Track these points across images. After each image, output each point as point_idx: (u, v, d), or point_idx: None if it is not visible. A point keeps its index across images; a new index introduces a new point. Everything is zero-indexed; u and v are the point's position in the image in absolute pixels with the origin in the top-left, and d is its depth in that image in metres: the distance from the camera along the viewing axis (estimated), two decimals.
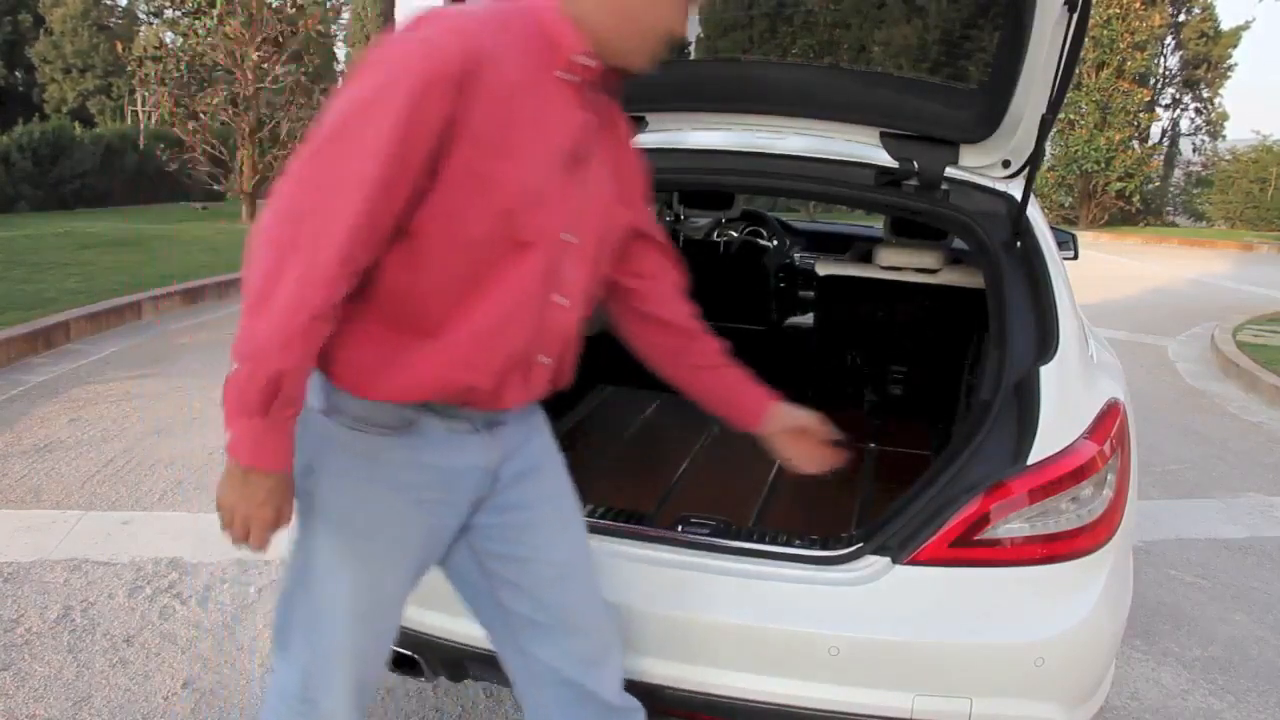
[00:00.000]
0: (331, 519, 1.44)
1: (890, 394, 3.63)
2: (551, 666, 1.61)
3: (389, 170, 1.23)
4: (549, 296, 1.41)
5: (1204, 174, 22.14)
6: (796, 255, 4.84)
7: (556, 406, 3.18)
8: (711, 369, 1.74)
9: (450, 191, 1.28)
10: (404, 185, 1.26)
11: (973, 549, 1.73)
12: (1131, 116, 19.36)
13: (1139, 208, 20.80)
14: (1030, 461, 1.74)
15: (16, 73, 22.16)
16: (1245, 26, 21.54)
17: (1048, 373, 1.83)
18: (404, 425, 1.40)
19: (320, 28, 14.70)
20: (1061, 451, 1.74)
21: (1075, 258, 3.84)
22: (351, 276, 1.27)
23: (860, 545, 1.80)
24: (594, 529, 1.92)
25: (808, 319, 4.47)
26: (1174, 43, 21.74)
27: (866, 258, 3.42)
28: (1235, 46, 21.43)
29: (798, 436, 1.73)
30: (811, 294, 4.63)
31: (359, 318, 1.34)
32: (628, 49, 1.38)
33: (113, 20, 23.12)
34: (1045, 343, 1.91)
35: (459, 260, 1.33)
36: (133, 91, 17.89)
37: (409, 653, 1.96)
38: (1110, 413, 1.86)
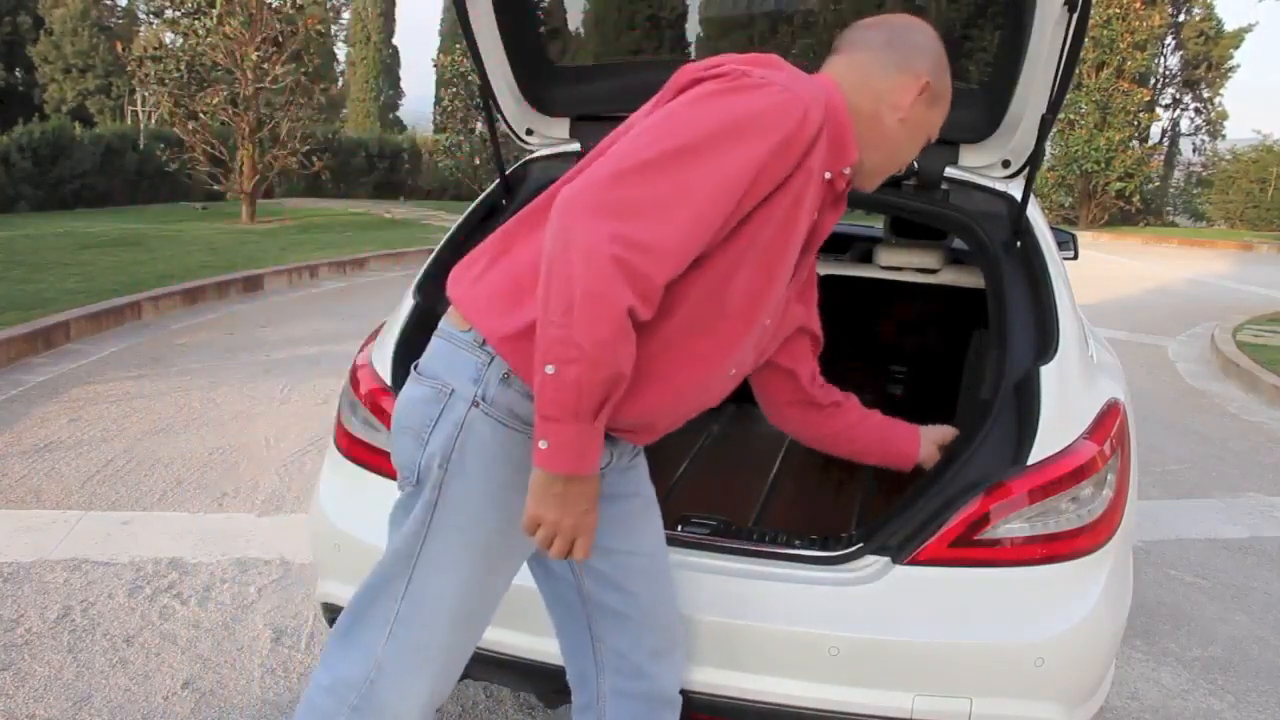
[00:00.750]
0: (461, 517, 1.39)
1: (889, 394, 3.63)
2: (624, 654, 1.63)
3: (733, 202, 1.23)
4: (727, 371, 1.45)
5: (1204, 174, 22.15)
6: None
7: None
8: (860, 424, 1.84)
9: (744, 246, 1.29)
10: (726, 226, 1.26)
11: (973, 549, 1.73)
12: (1131, 116, 19.36)
13: (1139, 208, 20.80)
14: (1030, 462, 1.74)
15: (16, 72, 22.15)
16: (1248, 29, 21.54)
17: (1048, 373, 1.84)
18: None
19: (320, 27, 14.69)
20: (1061, 451, 1.74)
21: (1075, 258, 3.84)
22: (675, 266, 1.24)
23: (860, 545, 1.80)
24: None
25: None
26: (1174, 43, 21.74)
27: (867, 258, 3.42)
28: (1237, 47, 21.44)
29: (941, 448, 1.86)
30: None
31: None
32: (875, 172, 1.47)
33: (113, 20, 23.14)
34: (1045, 343, 1.91)
35: (700, 312, 1.32)
36: (133, 91, 17.89)
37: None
38: (1110, 413, 1.86)
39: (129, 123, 18.30)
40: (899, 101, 1.42)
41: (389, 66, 29.34)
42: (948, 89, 1.49)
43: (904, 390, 3.62)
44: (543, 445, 1.23)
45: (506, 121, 2.47)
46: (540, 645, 1.84)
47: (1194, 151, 22.65)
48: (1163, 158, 21.96)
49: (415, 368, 1.45)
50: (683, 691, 1.77)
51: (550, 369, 1.19)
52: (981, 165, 2.25)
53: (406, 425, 1.42)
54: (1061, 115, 15.29)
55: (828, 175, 1.37)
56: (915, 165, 2.22)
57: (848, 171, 1.41)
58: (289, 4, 13.37)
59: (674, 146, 1.21)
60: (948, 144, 2.24)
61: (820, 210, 1.42)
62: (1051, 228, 2.39)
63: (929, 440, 1.87)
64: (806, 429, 1.84)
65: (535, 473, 1.26)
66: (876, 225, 4.60)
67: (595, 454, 1.25)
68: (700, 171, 1.20)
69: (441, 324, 1.46)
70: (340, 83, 28.86)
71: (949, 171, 2.23)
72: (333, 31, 23.57)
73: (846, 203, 1.50)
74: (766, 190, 1.26)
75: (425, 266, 2.26)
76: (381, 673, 1.43)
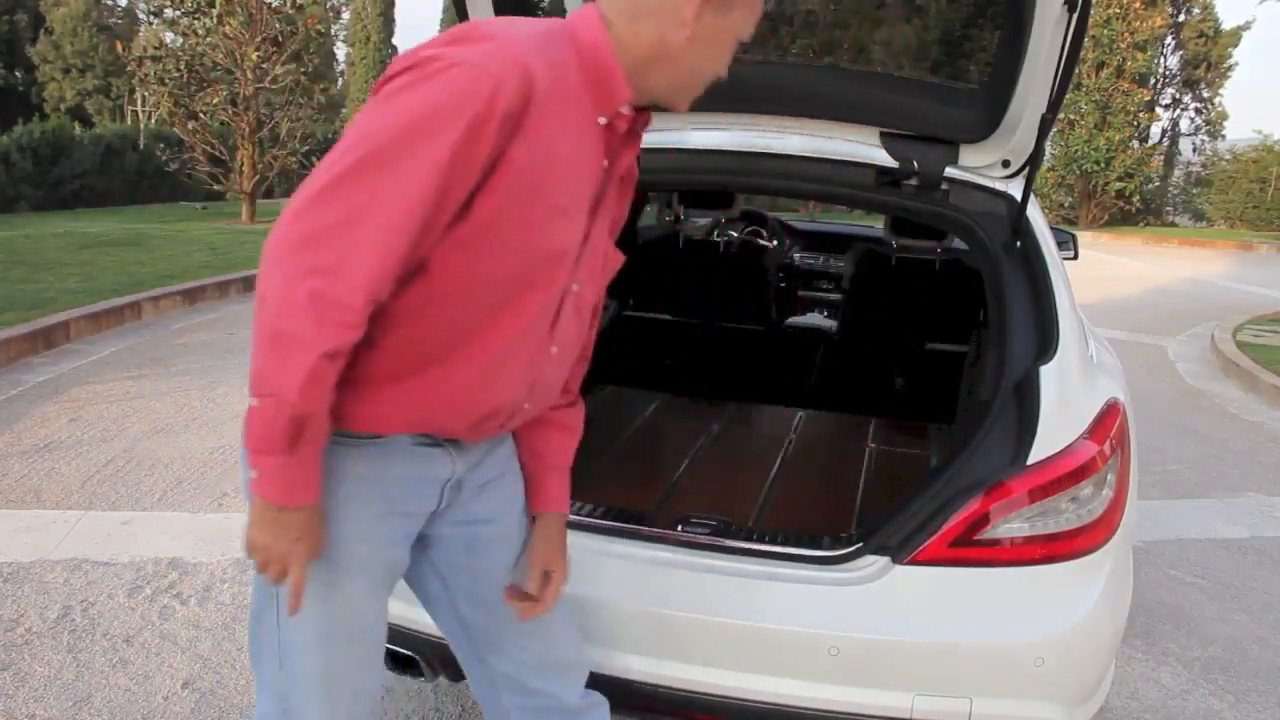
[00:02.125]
0: (341, 537, 1.34)
1: (892, 386, 3.63)
2: (509, 675, 1.58)
3: (427, 206, 1.15)
4: (546, 348, 1.36)
5: (1204, 174, 22.15)
6: (796, 255, 4.84)
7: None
8: (544, 440, 1.60)
9: (478, 230, 1.21)
10: (439, 222, 1.18)
11: (973, 549, 1.73)
12: (1131, 116, 19.36)
13: (1139, 208, 20.80)
14: (1030, 461, 1.74)
15: (16, 72, 22.16)
16: (1246, 27, 21.56)
17: (1047, 372, 1.83)
18: (371, 438, 1.33)
19: (320, 27, 14.70)
20: (1061, 451, 1.74)
21: (1075, 258, 3.85)
22: (375, 309, 1.18)
23: (860, 545, 1.79)
24: (594, 529, 1.92)
25: (807, 319, 4.48)
26: (1174, 43, 21.74)
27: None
28: (1235, 46, 21.45)
29: (540, 555, 1.58)
30: (811, 293, 4.64)
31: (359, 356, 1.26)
32: (676, 95, 1.33)
33: (113, 20, 23.14)
34: (1045, 343, 1.91)
35: (470, 302, 1.25)
36: (132, 91, 17.90)
37: (409, 653, 1.96)
38: (1110, 413, 1.86)
39: (129, 123, 18.30)
40: (680, 18, 1.26)
41: (389, 66, 29.32)
42: None
43: (905, 383, 3.62)
44: (253, 475, 1.21)
45: None
46: None
47: (1194, 151, 22.65)
48: (1162, 158, 21.96)
49: None
50: (683, 691, 1.77)
51: (253, 401, 1.17)
52: (981, 165, 2.25)
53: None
54: (1061, 115, 15.30)
55: (602, 120, 1.28)
56: (915, 165, 2.22)
57: (626, 110, 1.29)
58: (289, 4, 13.37)
59: (355, 160, 1.14)
60: (948, 144, 2.24)
61: (609, 155, 1.33)
62: (1051, 228, 2.39)
63: (540, 533, 1.58)
64: None
65: (251, 499, 1.25)
66: (877, 225, 4.61)
67: (304, 485, 1.23)
68: (384, 180, 1.13)
69: None
70: (340, 83, 28.86)
71: (949, 171, 2.23)
72: (332, 31, 23.57)
73: (641, 137, 1.40)
74: (475, 177, 1.17)
75: None
76: (288, 705, 1.41)
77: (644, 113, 1.37)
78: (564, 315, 1.37)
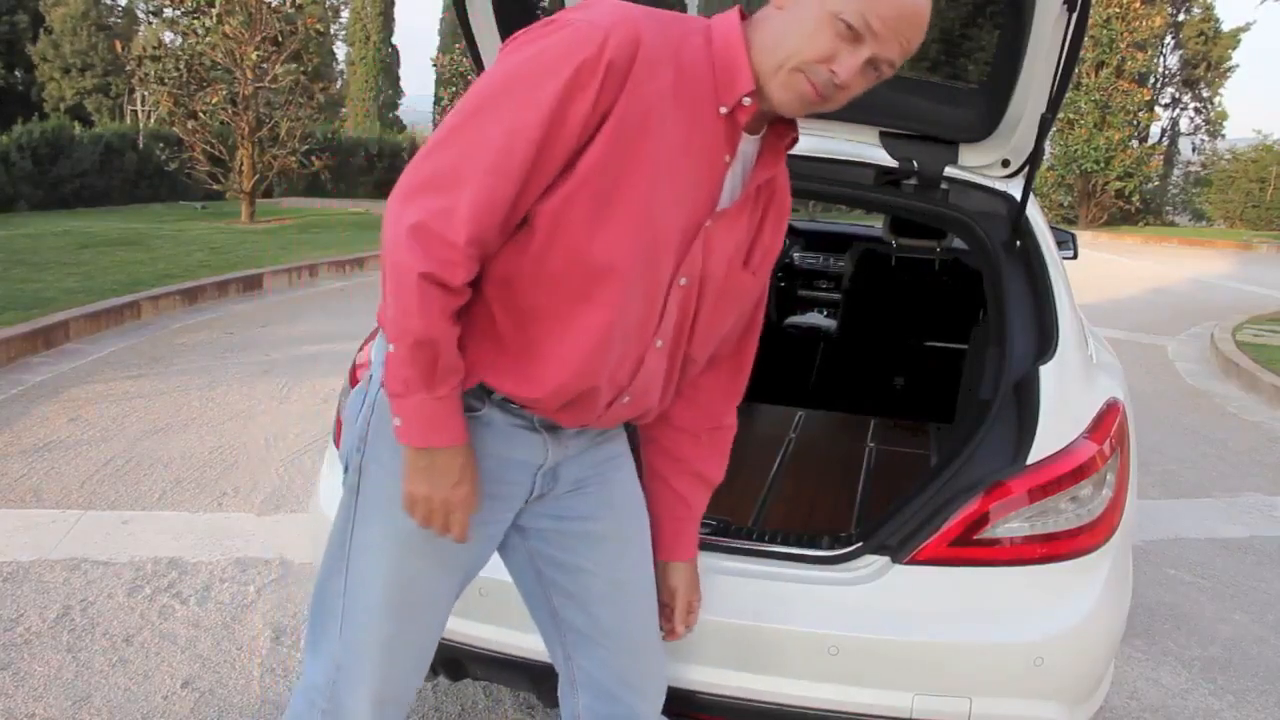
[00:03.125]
0: (380, 500, 1.36)
1: (892, 385, 3.63)
2: (594, 677, 1.57)
3: (531, 150, 1.17)
4: (650, 337, 1.33)
5: (1203, 174, 22.15)
6: (796, 255, 4.84)
7: None
8: (684, 490, 1.60)
9: (580, 186, 1.20)
10: (545, 169, 1.19)
11: (972, 548, 1.73)
12: (1131, 116, 19.36)
13: (1138, 207, 20.81)
14: (1030, 461, 1.74)
15: (16, 72, 22.15)
16: (1245, 28, 21.55)
17: (1047, 372, 1.83)
18: (466, 408, 1.32)
19: (319, 27, 14.69)
20: (1061, 451, 1.74)
21: (1075, 257, 3.85)
22: (481, 254, 1.22)
23: (860, 545, 1.79)
24: None
25: (807, 318, 4.48)
26: (1174, 42, 21.75)
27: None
28: (1235, 47, 21.45)
29: (682, 597, 1.63)
30: (811, 293, 4.64)
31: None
32: (775, 82, 1.24)
33: (112, 20, 23.13)
34: (1045, 342, 1.91)
35: (568, 266, 1.24)
36: (132, 91, 17.89)
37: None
38: (1110, 412, 1.86)
39: (128, 122, 18.30)
40: None
41: (388, 66, 29.31)
42: None
43: (905, 383, 3.62)
44: (397, 422, 1.25)
45: None
46: (539, 645, 1.84)
47: (1193, 151, 22.65)
48: (1162, 157, 21.96)
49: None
50: (683, 691, 1.77)
51: (390, 348, 1.22)
52: (981, 165, 2.25)
53: (346, 416, 1.44)
54: (1061, 115, 15.30)
55: (723, 109, 1.26)
56: (915, 164, 2.22)
57: (748, 101, 1.26)
58: (289, 3, 13.36)
59: (468, 110, 1.19)
60: (948, 143, 2.24)
61: (733, 151, 1.30)
62: (1051, 227, 2.39)
63: (681, 577, 1.62)
64: (658, 442, 1.59)
65: (402, 449, 1.27)
66: (877, 225, 4.61)
67: (448, 424, 1.25)
68: (491, 125, 1.17)
69: None
70: (340, 82, 28.85)
71: (949, 171, 2.23)
72: (332, 31, 23.56)
73: (782, 155, 1.38)
74: (578, 131, 1.18)
75: None
76: (340, 672, 1.41)
77: (783, 126, 1.35)
78: (670, 308, 1.33)
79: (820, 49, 1.22)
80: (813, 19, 1.21)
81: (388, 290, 1.20)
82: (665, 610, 1.62)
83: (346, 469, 1.41)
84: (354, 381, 2.06)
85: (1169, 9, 20.54)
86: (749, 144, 1.33)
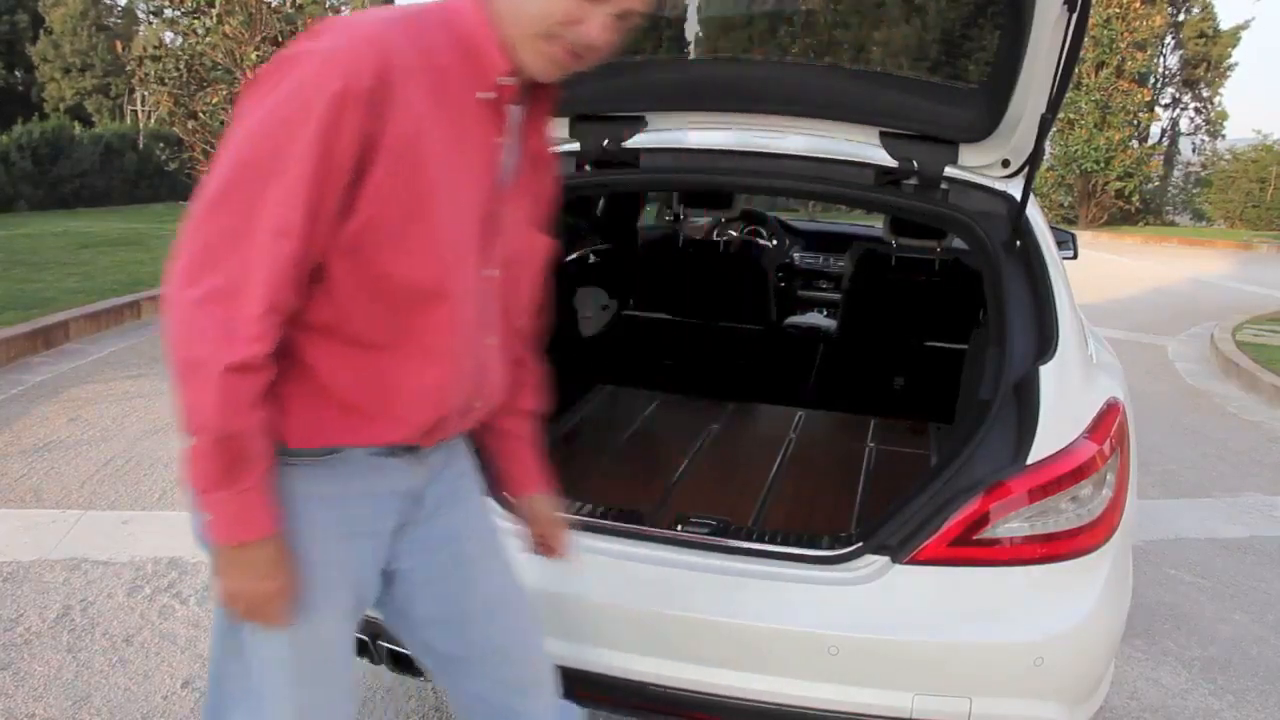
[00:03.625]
0: (312, 555, 1.28)
1: (892, 386, 3.64)
2: (482, 698, 1.54)
3: (308, 201, 1.12)
4: (482, 339, 1.33)
5: (1203, 174, 22.14)
6: (796, 255, 4.85)
7: (557, 406, 3.21)
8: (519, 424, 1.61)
9: (368, 225, 1.17)
10: (325, 216, 1.14)
11: (972, 548, 1.73)
12: (1131, 116, 19.34)
13: (1138, 207, 20.79)
14: (1030, 461, 1.74)
15: (16, 72, 22.14)
16: (1245, 26, 21.55)
17: (1047, 372, 1.83)
18: (325, 453, 1.27)
19: None
20: (1061, 451, 1.74)
21: (1075, 257, 3.85)
22: (282, 323, 1.16)
23: (860, 545, 1.80)
24: (594, 528, 1.92)
25: (807, 318, 4.48)
26: (1174, 42, 21.74)
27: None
28: (1235, 46, 21.43)
29: (540, 525, 1.65)
30: (811, 293, 4.64)
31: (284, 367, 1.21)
32: (529, 51, 1.22)
33: (112, 20, 23.11)
34: (1045, 342, 1.91)
35: (382, 300, 1.21)
36: (132, 91, 17.90)
37: (409, 653, 1.96)
38: (1110, 412, 1.86)
39: (128, 122, 18.30)
40: None
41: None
42: None
43: (905, 383, 3.62)
44: (206, 519, 1.18)
45: None
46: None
47: (1193, 151, 22.63)
48: (1162, 157, 21.94)
49: None
50: (683, 691, 1.77)
51: (188, 441, 1.13)
52: (981, 165, 2.25)
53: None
54: (1061, 115, 15.30)
55: (484, 96, 1.24)
56: (915, 164, 2.22)
57: (508, 82, 1.24)
58: (289, 3, 13.35)
59: (229, 175, 1.12)
60: (947, 144, 2.24)
61: (505, 132, 1.28)
62: (1051, 227, 2.39)
63: (536, 507, 1.64)
64: None
65: (211, 549, 1.21)
66: (877, 225, 4.61)
67: (256, 517, 1.18)
68: (260, 187, 1.11)
69: None
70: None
71: (949, 171, 2.23)
72: None
73: (547, 115, 1.38)
74: (350, 164, 1.13)
75: None
76: None
77: (543, 88, 1.32)
78: (489, 304, 1.33)
79: (563, 10, 1.19)
80: None
81: (180, 384, 1.12)
82: (539, 541, 1.65)
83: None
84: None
85: (1169, 9, 20.52)
86: (514, 112, 1.30)
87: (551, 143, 1.46)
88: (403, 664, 2.01)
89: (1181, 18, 21.37)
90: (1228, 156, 21.54)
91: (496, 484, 1.74)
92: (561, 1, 1.18)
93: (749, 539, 1.90)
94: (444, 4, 1.25)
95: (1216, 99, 22.26)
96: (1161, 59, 21.76)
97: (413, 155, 1.17)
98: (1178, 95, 22.45)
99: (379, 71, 1.13)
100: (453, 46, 1.22)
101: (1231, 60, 21.62)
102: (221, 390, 1.11)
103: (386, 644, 1.97)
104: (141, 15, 21.42)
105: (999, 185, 2.24)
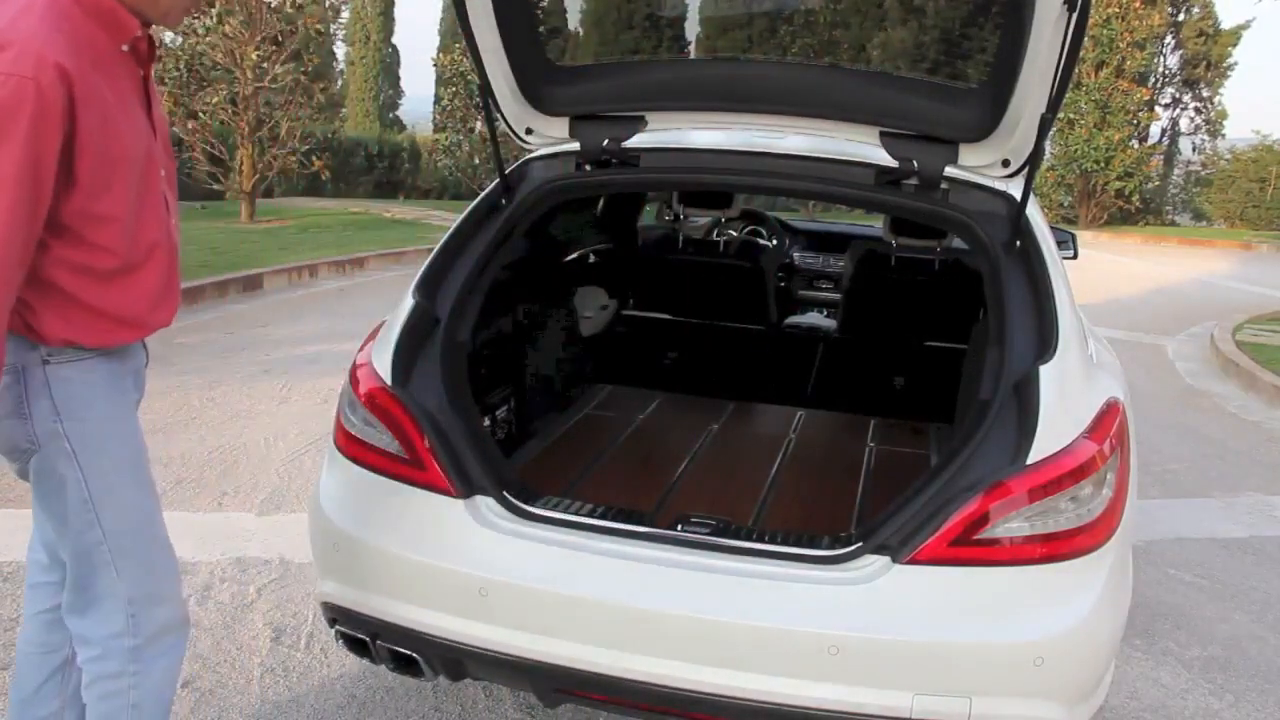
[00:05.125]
0: (96, 445, 1.65)
1: (891, 385, 3.64)
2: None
3: (25, 190, 1.40)
4: (172, 221, 1.72)
5: (1203, 173, 22.14)
6: (796, 255, 4.85)
7: (557, 405, 3.22)
8: None
9: (90, 182, 1.49)
10: (46, 194, 1.44)
11: (972, 548, 1.73)
12: (1131, 116, 19.35)
13: (1138, 207, 20.80)
14: (1030, 461, 1.74)
15: None
16: (1245, 26, 21.53)
17: (1047, 372, 1.84)
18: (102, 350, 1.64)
19: (319, 27, 14.69)
20: (1061, 451, 1.75)
21: (1075, 257, 3.85)
22: (16, 276, 1.44)
23: (860, 545, 1.80)
24: (594, 528, 1.92)
25: (807, 318, 4.48)
26: (1174, 42, 21.73)
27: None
28: (1235, 45, 21.43)
29: None
30: (811, 293, 4.64)
31: (64, 294, 1.55)
32: (153, 9, 1.59)
33: None
34: (1045, 342, 1.91)
35: (121, 227, 1.56)
36: None
37: (408, 652, 1.96)
38: (1110, 412, 1.86)
39: None
40: None
41: (388, 66, 29.29)
42: None
43: (905, 382, 3.63)
44: None
45: (506, 121, 2.47)
46: (539, 645, 1.85)
47: (1194, 151, 22.63)
48: (1162, 157, 21.94)
49: None
50: (683, 691, 1.77)
51: None
52: (981, 165, 2.25)
53: (3, 412, 1.61)
54: (1061, 115, 15.31)
55: (125, 48, 1.58)
56: (915, 164, 2.22)
57: (139, 31, 1.58)
58: (288, 3, 13.35)
59: None
60: (948, 143, 2.25)
61: (144, 66, 1.65)
62: (1051, 227, 2.39)
63: None
64: None
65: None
66: (877, 225, 4.61)
67: None
68: None
69: None
70: (340, 82, 28.84)
71: (949, 171, 2.23)
72: (332, 31, 23.55)
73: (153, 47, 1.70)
74: (56, 153, 1.43)
75: (424, 266, 2.26)
76: (134, 604, 1.68)
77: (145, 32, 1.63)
78: (170, 195, 1.72)
79: None
80: None
81: None
82: None
83: (27, 452, 1.65)
84: (354, 383, 2.07)
85: (1169, 8, 20.52)
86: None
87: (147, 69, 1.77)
88: (403, 664, 2.01)
89: (1181, 17, 21.37)
90: (1228, 156, 21.55)
91: (498, 484, 1.90)
92: None
93: (749, 539, 1.90)
94: None
95: (1217, 99, 22.25)
96: (1161, 59, 21.75)
97: (100, 118, 1.49)
98: (1178, 95, 22.44)
99: (62, 86, 1.41)
100: (83, 20, 1.51)
101: (1232, 60, 21.61)
102: None
103: (386, 644, 1.97)
104: None
105: (999, 185, 2.24)
